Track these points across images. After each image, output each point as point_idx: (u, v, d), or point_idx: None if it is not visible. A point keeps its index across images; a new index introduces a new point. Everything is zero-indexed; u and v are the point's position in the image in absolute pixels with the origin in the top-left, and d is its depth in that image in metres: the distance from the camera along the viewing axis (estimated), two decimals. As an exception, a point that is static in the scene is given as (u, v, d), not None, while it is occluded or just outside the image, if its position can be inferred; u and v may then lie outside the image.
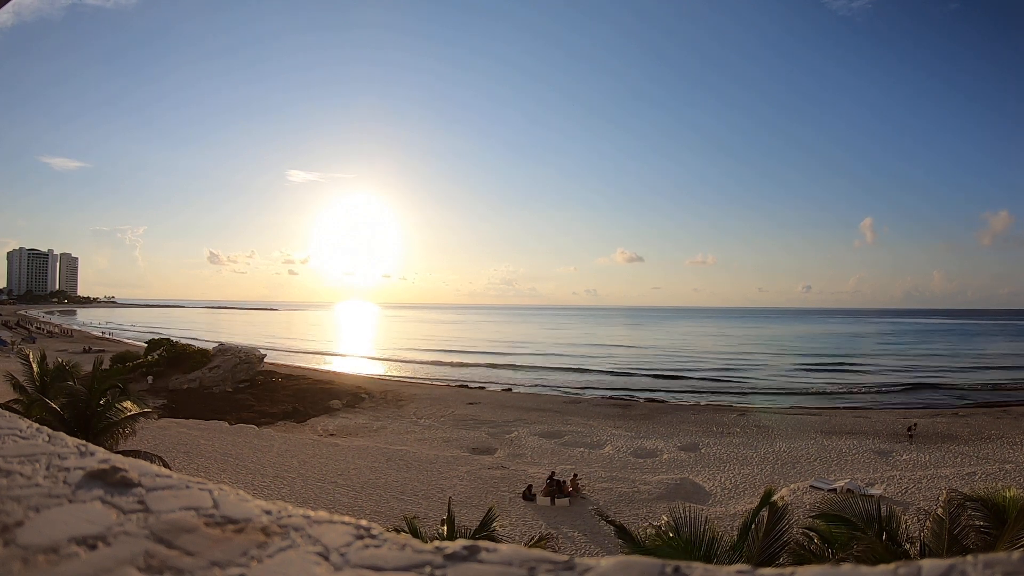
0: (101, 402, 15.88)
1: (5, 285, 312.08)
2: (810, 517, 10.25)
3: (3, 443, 1.25)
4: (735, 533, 9.86)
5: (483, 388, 50.57)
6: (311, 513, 0.99)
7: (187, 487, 1.08)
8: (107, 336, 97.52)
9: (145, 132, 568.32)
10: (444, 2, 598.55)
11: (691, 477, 23.41)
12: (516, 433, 31.18)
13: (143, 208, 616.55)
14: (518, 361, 74.29)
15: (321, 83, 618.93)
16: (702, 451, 27.75)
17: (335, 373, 55.76)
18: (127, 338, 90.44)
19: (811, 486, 21.36)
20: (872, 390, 52.36)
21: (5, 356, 46.86)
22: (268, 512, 0.99)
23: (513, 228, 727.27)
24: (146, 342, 57.35)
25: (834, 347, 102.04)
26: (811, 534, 9.60)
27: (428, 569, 0.81)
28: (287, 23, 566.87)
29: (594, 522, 18.00)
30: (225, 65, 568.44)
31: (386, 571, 0.82)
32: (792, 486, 21.57)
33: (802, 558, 8.88)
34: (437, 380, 56.16)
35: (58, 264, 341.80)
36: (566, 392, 49.81)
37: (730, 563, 1.05)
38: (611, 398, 45.75)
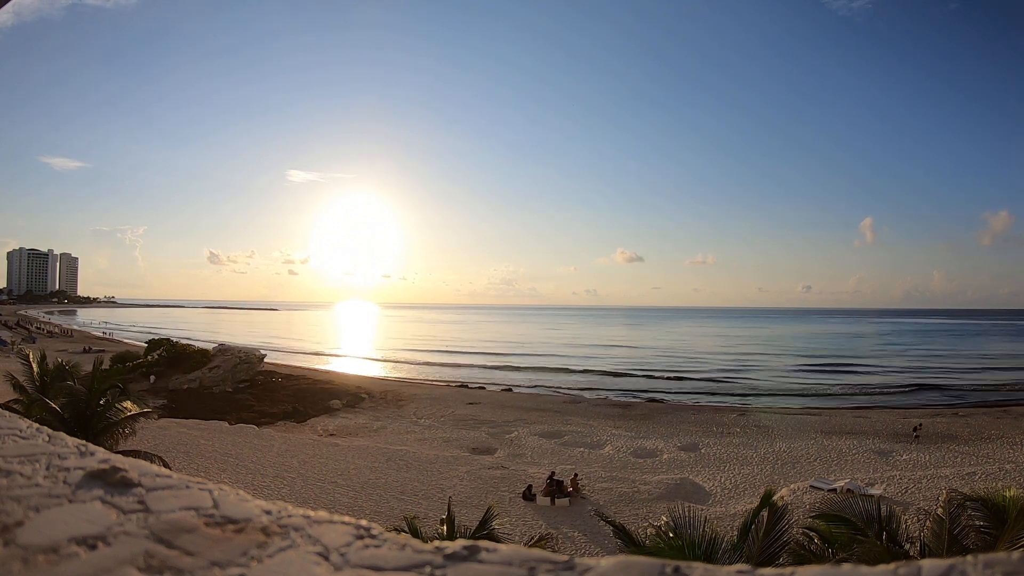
0: (101, 402, 15.89)
1: (5, 285, 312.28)
2: (810, 517, 10.26)
3: (3, 443, 1.25)
4: (735, 533, 9.86)
5: (483, 388, 50.60)
6: (311, 513, 0.99)
7: (187, 487, 1.08)
8: (107, 336, 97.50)
9: (145, 132, 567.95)
10: (444, 2, 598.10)
11: (691, 477, 23.42)
12: (516, 433, 31.19)
13: (143, 208, 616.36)
14: (518, 361, 74.28)
15: (321, 83, 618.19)
16: (702, 451, 27.76)
17: (335, 373, 55.78)
18: (127, 338, 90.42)
19: (811, 486, 21.36)
20: (872, 390, 52.39)
21: (5, 356, 46.85)
22: (268, 512, 0.99)
23: (513, 228, 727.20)
24: (146, 342, 57.37)
25: (834, 347, 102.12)
26: (811, 534, 9.61)
27: (428, 569, 0.81)
28: (287, 23, 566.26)
29: (594, 522, 17.98)
30: (225, 65, 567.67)
31: (386, 571, 0.82)
32: (792, 486, 21.57)
33: (802, 558, 8.88)
34: (437, 380, 56.23)
35: (58, 264, 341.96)
36: (566, 392, 49.80)
37: (730, 563, 1.05)
38: (611, 398, 45.80)
